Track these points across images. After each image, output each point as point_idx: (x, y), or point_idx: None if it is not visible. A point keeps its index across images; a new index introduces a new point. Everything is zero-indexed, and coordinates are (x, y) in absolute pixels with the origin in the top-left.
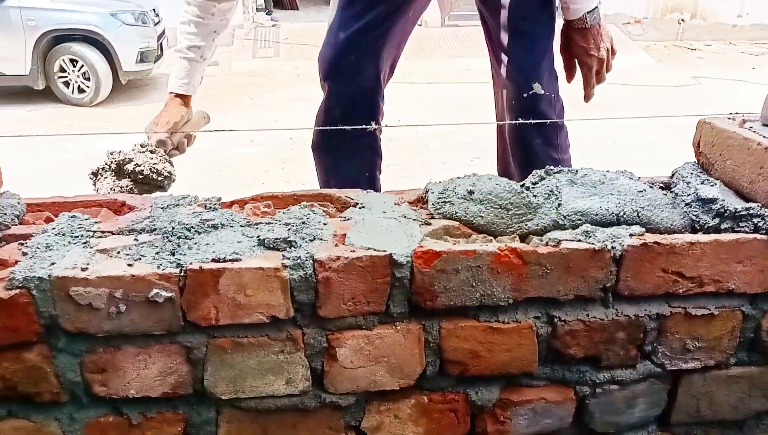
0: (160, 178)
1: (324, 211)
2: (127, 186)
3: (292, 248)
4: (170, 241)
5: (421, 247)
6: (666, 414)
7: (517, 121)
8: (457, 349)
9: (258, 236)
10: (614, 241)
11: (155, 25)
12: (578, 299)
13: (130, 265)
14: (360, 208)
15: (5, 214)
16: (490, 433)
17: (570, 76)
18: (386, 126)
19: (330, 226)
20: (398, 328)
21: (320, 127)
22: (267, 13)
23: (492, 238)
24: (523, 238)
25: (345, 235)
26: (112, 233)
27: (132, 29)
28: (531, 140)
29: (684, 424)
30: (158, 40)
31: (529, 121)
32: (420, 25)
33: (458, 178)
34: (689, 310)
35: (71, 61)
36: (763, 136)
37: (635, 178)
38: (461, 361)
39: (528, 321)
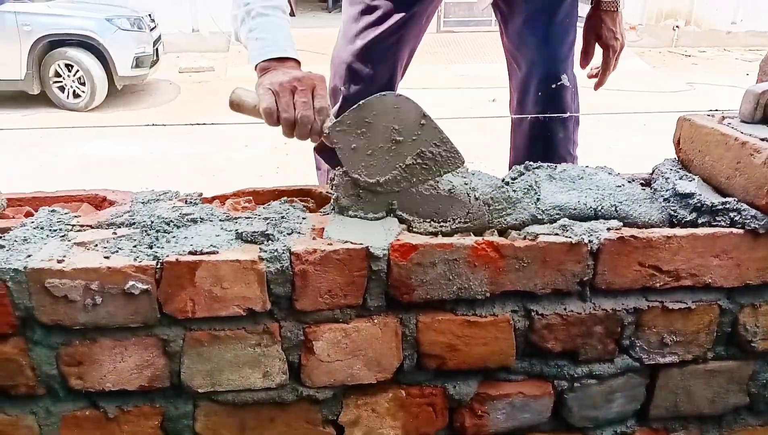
0: None
1: (304, 206)
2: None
3: (270, 241)
4: (149, 235)
5: (398, 240)
6: (644, 408)
7: (525, 116)
8: (435, 343)
9: (236, 230)
10: (591, 234)
11: (151, 30)
12: (555, 293)
13: (106, 257)
14: None
15: None
16: (468, 427)
17: (586, 61)
18: None
19: (309, 220)
20: (375, 321)
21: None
22: None
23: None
24: (503, 232)
25: (323, 229)
26: (91, 227)
27: (127, 34)
28: (555, 134)
29: (662, 419)
30: (154, 46)
31: (548, 114)
32: None
33: None
34: (666, 304)
35: (67, 66)
36: (741, 132)
37: (614, 173)
38: (438, 354)
39: (505, 315)
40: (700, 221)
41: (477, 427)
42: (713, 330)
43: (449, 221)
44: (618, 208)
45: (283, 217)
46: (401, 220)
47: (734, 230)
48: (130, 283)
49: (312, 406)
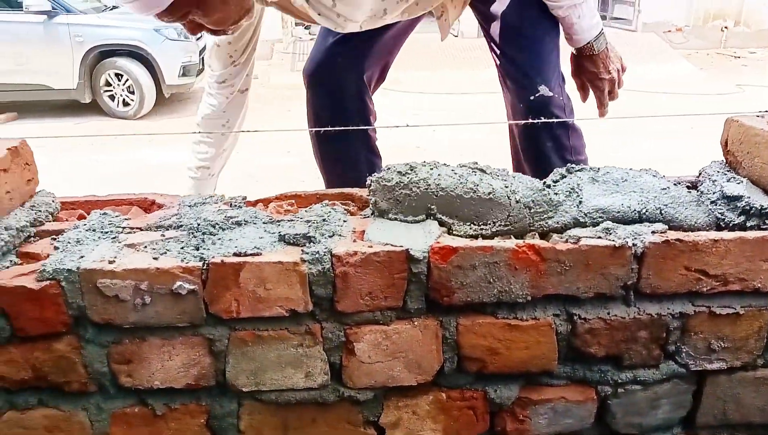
0: None
1: (345, 210)
2: None
3: (311, 244)
4: (195, 237)
5: (438, 242)
6: (691, 416)
7: (519, 122)
8: (475, 346)
9: (279, 232)
10: (635, 238)
11: (197, 39)
12: (598, 297)
13: (155, 258)
14: None
15: (40, 211)
16: (510, 431)
17: (584, 97)
18: (397, 126)
19: (350, 223)
20: (415, 323)
21: (314, 128)
22: (305, 27)
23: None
24: (544, 235)
25: (364, 231)
26: (141, 229)
27: (175, 44)
28: (542, 143)
29: (710, 427)
30: (200, 55)
31: (538, 120)
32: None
33: None
34: (713, 309)
35: (116, 75)
36: None
37: (659, 176)
38: (479, 358)
39: (547, 318)
40: (748, 224)
41: (519, 431)
42: (763, 336)
43: (489, 224)
44: (663, 211)
45: (324, 220)
46: (441, 224)
47: None
48: (178, 283)
49: (353, 407)
